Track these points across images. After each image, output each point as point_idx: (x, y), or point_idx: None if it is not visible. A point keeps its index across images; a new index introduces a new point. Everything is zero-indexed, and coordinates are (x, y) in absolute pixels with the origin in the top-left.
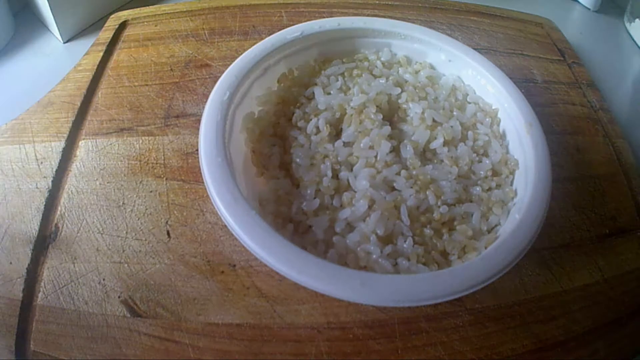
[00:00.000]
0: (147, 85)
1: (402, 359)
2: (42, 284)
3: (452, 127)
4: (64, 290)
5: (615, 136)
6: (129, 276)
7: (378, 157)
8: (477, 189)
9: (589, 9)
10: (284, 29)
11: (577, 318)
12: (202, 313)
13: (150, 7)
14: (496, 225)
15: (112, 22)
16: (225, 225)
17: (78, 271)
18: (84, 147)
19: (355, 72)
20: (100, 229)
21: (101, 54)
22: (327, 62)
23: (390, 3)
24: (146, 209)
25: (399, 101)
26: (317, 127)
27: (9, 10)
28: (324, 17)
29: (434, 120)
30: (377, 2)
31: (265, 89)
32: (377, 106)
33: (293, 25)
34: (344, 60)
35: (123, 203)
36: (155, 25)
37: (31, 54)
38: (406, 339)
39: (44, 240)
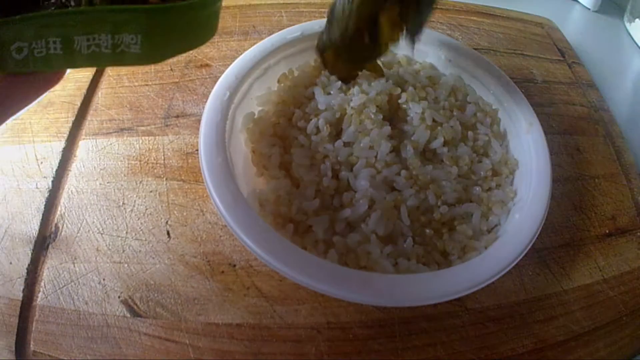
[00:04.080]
0: (147, 85)
1: (402, 359)
2: (42, 284)
3: (452, 127)
4: (64, 290)
5: (615, 136)
6: (129, 276)
7: (378, 157)
8: (477, 189)
9: (589, 9)
10: (284, 29)
11: (577, 318)
12: (202, 313)
13: None
14: (496, 225)
15: None
16: (225, 225)
17: (78, 271)
18: (84, 147)
19: None
20: (100, 229)
21: None
22: None
23: None
24: (146, 209)
25: (399, 101)
26: (317, 127)
27: None
28: (324, 17)
29: (434, 120)
30: None
31: (265, 89)
32: (377, 106)
33: (293, 25)
34: None
35: (123, 203)
36: None
37: None
38: (406, 339)
39: (44, 240)
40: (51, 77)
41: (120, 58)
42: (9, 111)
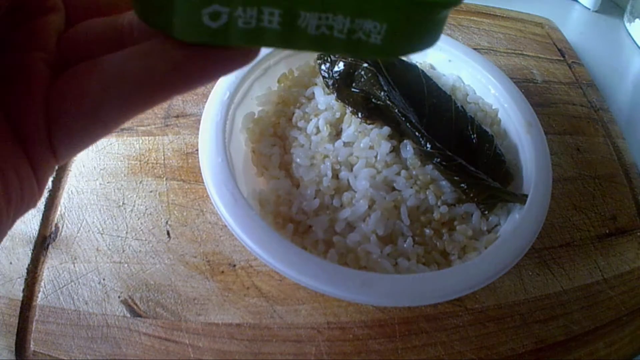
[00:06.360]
0: None
1: (402, 359)
2: (42, 284)
3: None
4: (64, 290)
5: (615, 136)
6: (129, 276)
7: (378, 157)
8: None
9: (589, 9)
10: None
11: (577, 318)
12: (202, 313)
13: None
14: (496, 225)
15: None
16: (225, 225)
17: (78, 271)
18: None
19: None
20: (100, 229)
21: None
22: None
23: None
24: (146, 209)
25: None
26: (317, 127)
27: None
28: None
29: None
30: None
31: (265, 89)
32: None
33: None
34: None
35: (123, 203)
36: None
37: None
38: (406, 339)
39: (44, 240)
40: (246, 54)
41: (355, 47)
42: (178, 88)
